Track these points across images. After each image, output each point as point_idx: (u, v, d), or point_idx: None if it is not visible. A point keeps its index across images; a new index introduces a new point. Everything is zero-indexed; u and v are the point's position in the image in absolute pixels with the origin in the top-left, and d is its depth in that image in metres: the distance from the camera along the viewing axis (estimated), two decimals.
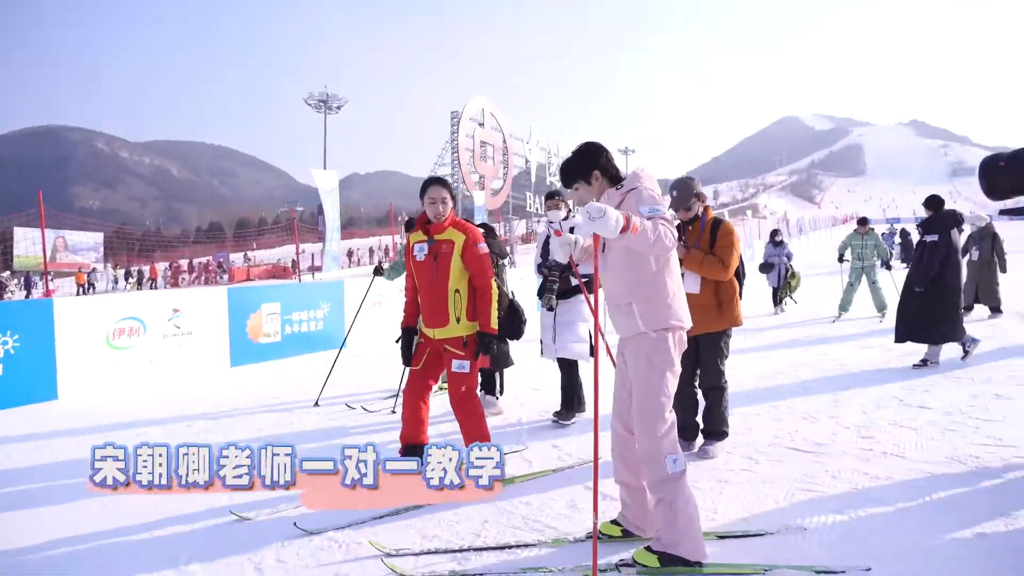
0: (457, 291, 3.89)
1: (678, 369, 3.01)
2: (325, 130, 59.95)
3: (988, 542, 2.97)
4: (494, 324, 3.96)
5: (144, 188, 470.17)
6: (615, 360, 3.23)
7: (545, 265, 5.31)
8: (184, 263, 46.48)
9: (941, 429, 4.65)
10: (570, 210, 6.20)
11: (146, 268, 38.46)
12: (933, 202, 7.20)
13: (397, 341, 4.20)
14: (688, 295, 4.34)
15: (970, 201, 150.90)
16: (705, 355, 4.41)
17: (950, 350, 7.06)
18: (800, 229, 55.66)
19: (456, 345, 3.93)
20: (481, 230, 6.23)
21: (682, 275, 4.36)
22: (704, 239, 4.40)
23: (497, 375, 5.97)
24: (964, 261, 10.58)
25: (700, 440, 4.50)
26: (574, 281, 5.21)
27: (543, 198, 7.82)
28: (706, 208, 4.50)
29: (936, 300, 6.66)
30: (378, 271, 6.95)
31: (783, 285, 12.74)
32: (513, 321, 6.07)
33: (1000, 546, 2.93)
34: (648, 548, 2.86)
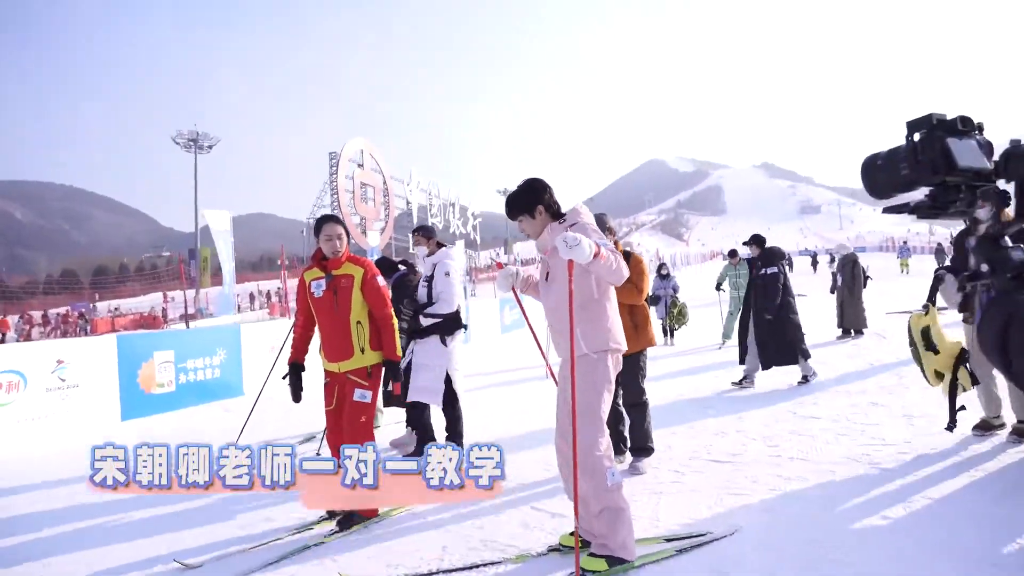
0: (359, 323, 3.99)
1: (613, 388, 3.28)
2: (196, 170, 57.30)
3: (892, 523, 3.40)
4: (399, 352, 4.08)
5: None
6: (557, 380, 3.42)
7: (404, 305, 5.32)
8: (37, 315, 42.68)
9: (834, 435, 5.19)
10: (441, 245, 6.35)
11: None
12: (758, 240, 8.24)
13: (284, 378, 4.18)
14: None
15: (818, 236, 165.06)
16: (626, 375, 4.71)
17: (826, 369, 7.82)
18: (674, 264, 58.90)
19: (360, 375, 3.99)
20: (402, 267, 6.38)
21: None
22: None
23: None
24: (831, 288, 11.78)
25: (628, 457, 4.78)
26: (426, 321, 5.11)
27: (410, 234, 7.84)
28: (616, 241, 4.88)
29: (786, 324, 7.47)
30: None
31: (667, 315, 13.10)
32: None
33: (902, 526, 3.37)
34: (592, 555, 3.08)
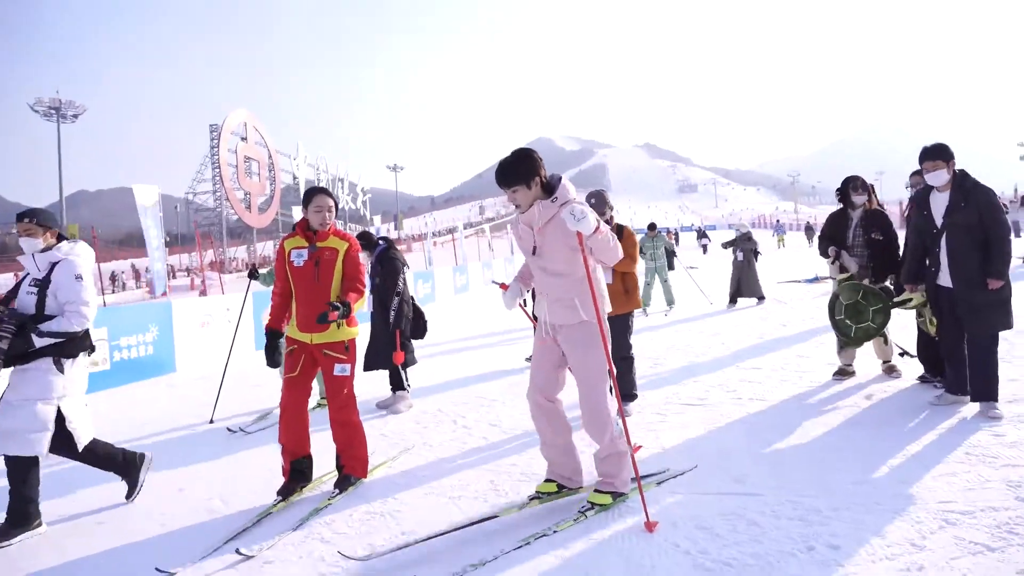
0: (338, 297, 4.00)
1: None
2: (59, 141, 52.91)
3: (850, 444, 4.13)
4: (349, 303, 3.94)
5: None
6: (539, 340, 3.62)
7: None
8: None
9: (778, 380, 5.98)
10: (62, 238, 6.15)
11: None
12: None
13: (266, 345, 4.18)
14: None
15: (696, 215, 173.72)
16: (616, 332, 5.24)
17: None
18: None
19: (338, 350, 4.01)
20: (382, 243, 6.51)
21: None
22: None
23: (403, 372, 6.29)
24: (731, 262, 12.90)
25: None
26: (41, 342, 3.63)
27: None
28: (611, 217, 5.37)
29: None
30: (253, 275, 6.59)
31: None
32: (418, 322, 6.49)
33: (817, 451, 4.11)
34: (598, 491, 3.44)
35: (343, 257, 4.06)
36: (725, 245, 13.23)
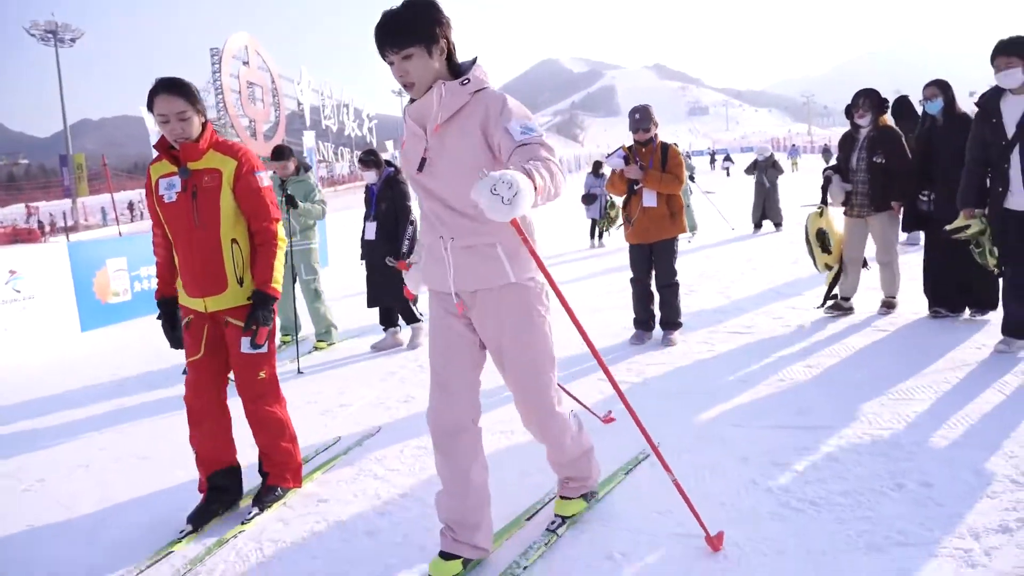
0: (235, 241, 2.88)
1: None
2: (59, 67, 51.71)
3: (919, 375, 3.95)
4: (277, 283, 2.92)
5: None
6: (438, 323, 2.37)
7: None
8: None
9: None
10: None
11: None
12: None
13: (158, 319, 3.08)
14: (647, 208, 4.94)
15: (707, 137, 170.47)
16: (661, 258, 5.02)
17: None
18: (579, 165, 59.58)
19: (242, 317, 2.90)
20: (390, 167, 5.74)
21: (638, 190, 4.93)
22: (657, 159, 4.96)
23: (414, 304, 5.84)
24: (754, 186, 12.51)
25: (657, 332, 5.18)
26: None
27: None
28: (656, 135, 5.05)
29: None
30: (292, 203, 5.66)
31: (603, 217, 12.58)
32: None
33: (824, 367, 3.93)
34: (566, 497, 2.62)
35: (231, 181, 2.85)
36: (748, 170, 12.79)
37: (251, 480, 3.18)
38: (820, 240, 5.28)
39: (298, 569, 2.55)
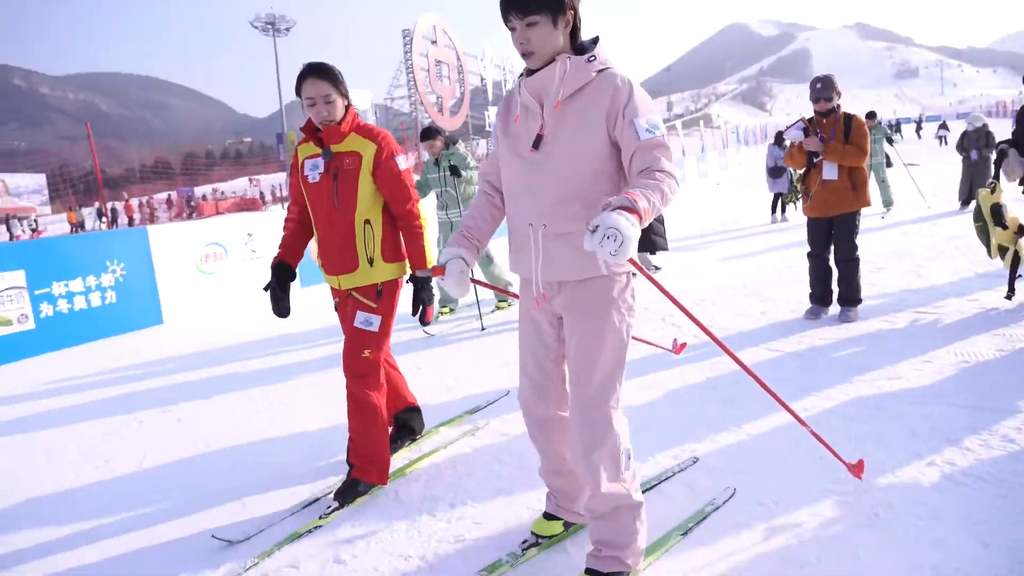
0: (368, 222, 2.90)
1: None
2: (276, 54, 57.46)
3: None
4: (430, 262, 2.94)
5: (72, 126, 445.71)
6: (526, 312, 2.29)
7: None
8: (159, 198, 45.23)
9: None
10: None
11: (119, 205, 37.52)
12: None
13: (266, 289, 3.03)
14: (826, 180, 4.86)
15: (916, 103, 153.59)
16: (841, 232, 4.93)
17: None
18: (765, 135, 56.46)
19: (367, 294, 2.94)
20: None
21: (818, 163, 4.87)
22: (839, 130, 4.86)
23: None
24: (961, 159, 11.37)
25: (834, 308, 5.11)
26: None
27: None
28: (838, 105, 4.93)
29: None
30: (455, 172, 6.23)
31: (791, 190, 11.95)
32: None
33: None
34: (593, 571, 2.13)
35: (371, 164, 2.89)
36: (959, 147, 11.59)
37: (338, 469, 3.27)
38: (995, 215, 4.82)
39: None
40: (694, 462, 3.00)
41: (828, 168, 4.84)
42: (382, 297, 2.94)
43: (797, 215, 11.83)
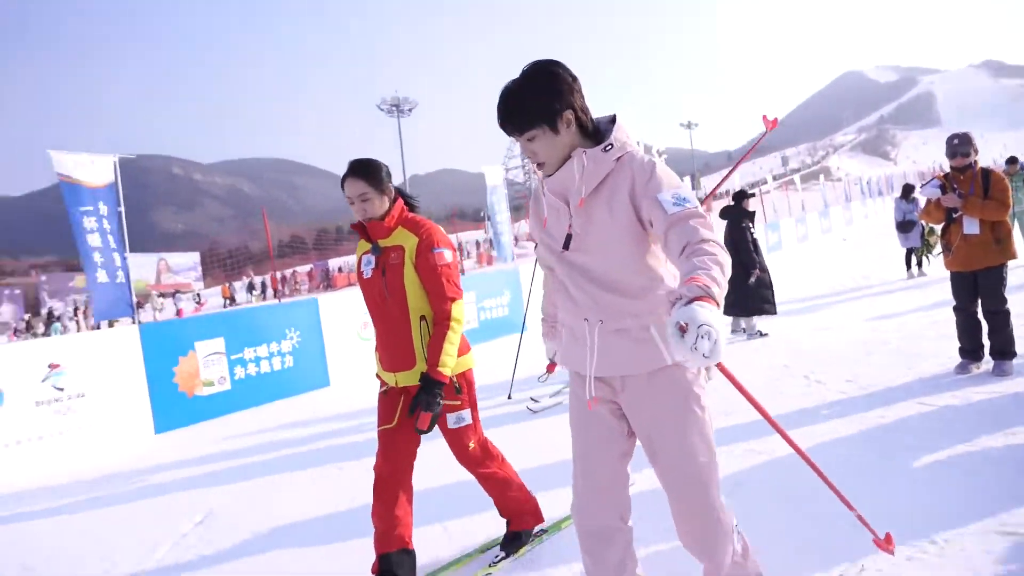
0: (423, 318, 2.86)
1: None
2: (400, 133, 61.60)
3: None
4: (445, 367, 2.79)
5: (220, 208, 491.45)
6: (581, 407, 2.12)
7: None
8: (299, 271, 48.98)
9: None
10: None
11: (265, 278, 41.33)
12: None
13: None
14: (968, 236, 4.96)
15: None
16: (987, 285, 4.94)
17: None
18: (891, 187, 54.02)
19: (446, 394, 2.88)
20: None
21: (957, 217, 4.97)
22: (977, 185, 4.98)
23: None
24: None
25: (987, 362, 5.09)
26: None
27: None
28: (975, 161, 5.06)
29: None
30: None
31: (922, 244, 11.59)
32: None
33: None
34: None
35: (413, 257, 2.85)
36: None
37: (496, 526, 3.30)
38: None
39: None
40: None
41: (969, 223, 4.93)
42: (461, 391, 2.93)
43: (935, 268, 11.45)
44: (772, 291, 7.74)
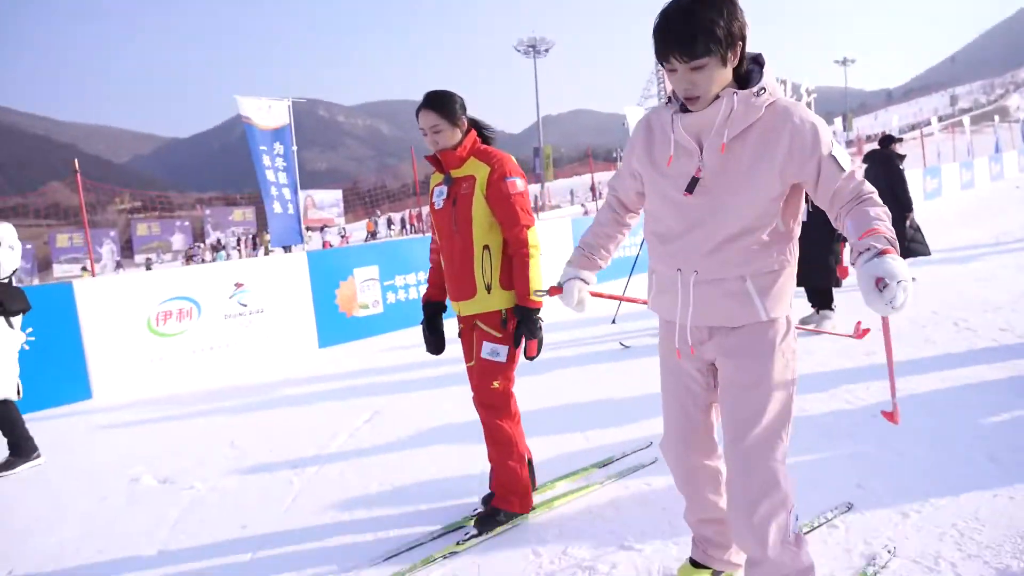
0: (487, 247, 2.84)
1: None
2: (536, 74, 61.35)
3: None
4: (534, 294, 2.77)
5: (360, 148, 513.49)
6: (670, 354, 2.10)
7: None
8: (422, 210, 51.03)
9: None
10: None
11: (404, 214, 43.80)
12: None
13: (421, 322, 3.14)
14: None
15: None
16: None
17: None
18: None
19: (491, 323, 2.86)
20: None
21: None
22: None
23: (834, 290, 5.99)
24: None
25: None
26: None
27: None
28: None
29: None
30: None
31: None
32: None
33: None
34: None
35: (484, 187, 2.82)
36: None
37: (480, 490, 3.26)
38: None
39: None
40: (848, 509, 2.72)
41: None
42: (507, 326, 2.85)
43: None
44: (922, 232, 7.48)
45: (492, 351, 2.85)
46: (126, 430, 5.05)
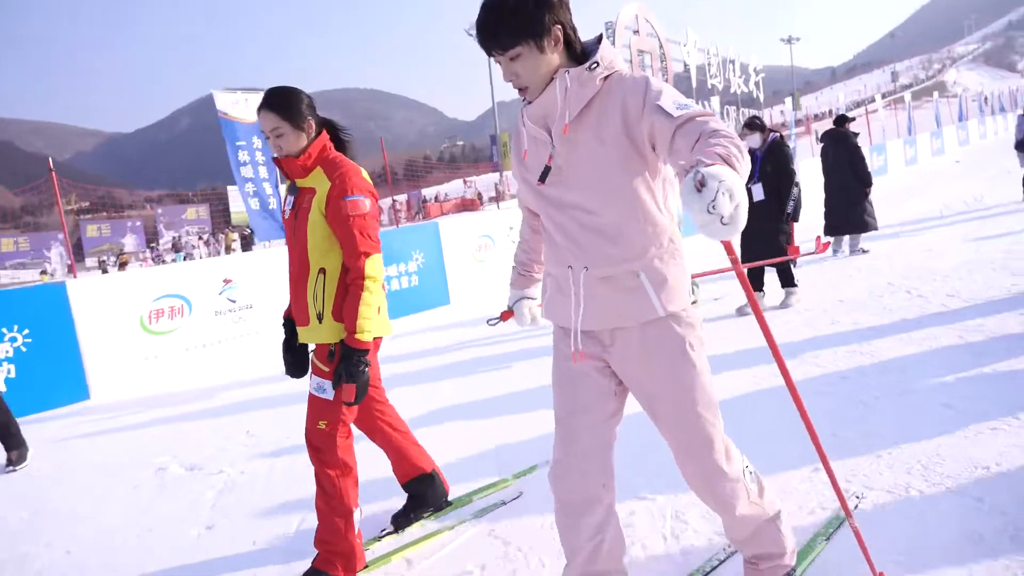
0: (323, 271, 2.52)
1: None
2: (489, 59, 61.11)
3: None
4: (363, 333, 2.43)
5: None
6: (564, 365, 1.97)
7: None
8: (400, 200, 50.51)
9: None
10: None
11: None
12: None
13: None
14: None
15: None
16: None
17: None
18: (1015, 102, 49.78)
19: (320, 356, 2.55)
20: (775, 134, 6.22)
21: None
22: None
23: (793, 266, 6.16)
24: None
25: None
26: None
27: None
28: None
29: None
30: None
31: None
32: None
33: None
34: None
35: (322, 203, 2.49)
36: None
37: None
38: None
39: None
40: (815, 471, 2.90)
41: None
42: (334, 359, 2.49)
43: None
44: (872, 205, 8.06)
45: (318, 386, 2.55)
46: (136, 426, 5.22)
